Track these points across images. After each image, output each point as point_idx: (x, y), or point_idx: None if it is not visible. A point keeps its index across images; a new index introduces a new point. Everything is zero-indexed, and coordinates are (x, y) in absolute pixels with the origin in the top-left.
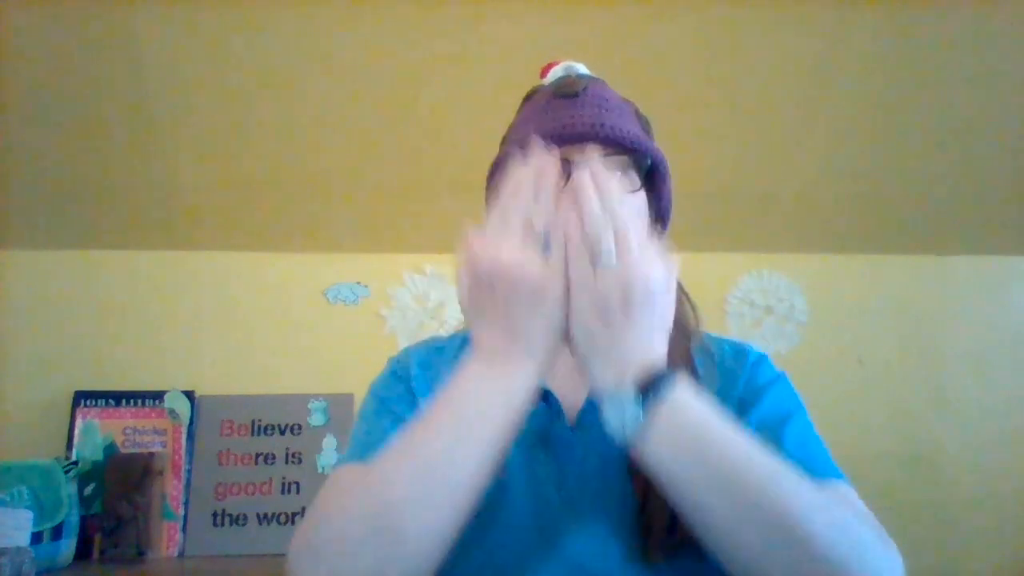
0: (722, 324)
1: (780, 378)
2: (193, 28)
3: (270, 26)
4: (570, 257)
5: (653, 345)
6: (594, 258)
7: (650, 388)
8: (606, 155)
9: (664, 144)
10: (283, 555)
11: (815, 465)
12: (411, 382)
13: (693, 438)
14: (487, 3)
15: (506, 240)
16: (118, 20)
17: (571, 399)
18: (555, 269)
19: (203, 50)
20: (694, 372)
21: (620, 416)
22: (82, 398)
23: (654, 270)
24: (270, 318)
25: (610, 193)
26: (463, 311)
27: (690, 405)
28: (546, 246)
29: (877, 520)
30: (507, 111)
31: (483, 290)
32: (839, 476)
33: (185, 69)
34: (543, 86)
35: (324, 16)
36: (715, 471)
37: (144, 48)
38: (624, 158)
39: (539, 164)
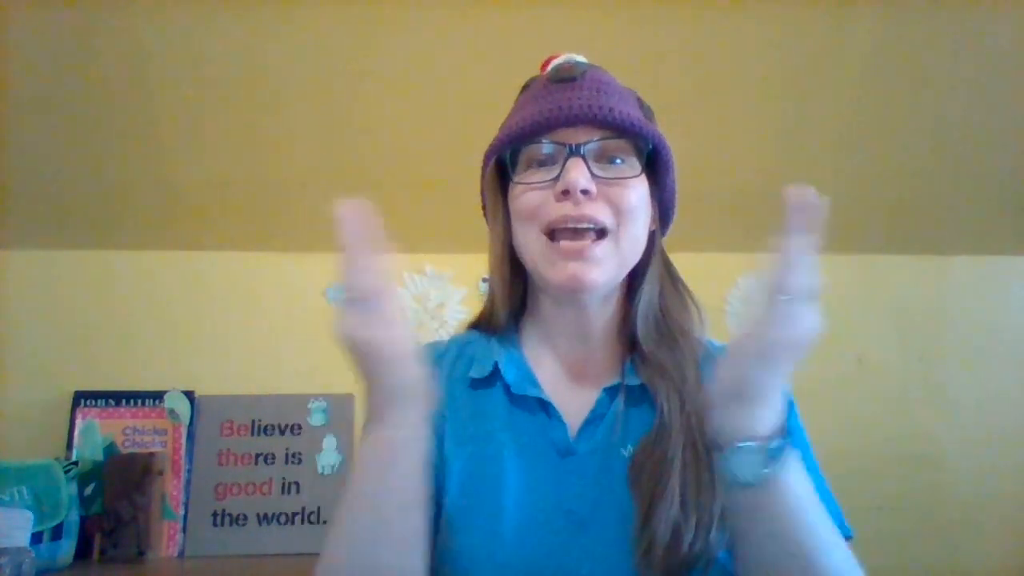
0: (722, 324)
1: (787, 406)
2: (193, 28)
3: (270, 26)
4: (766, 294)
5: (783, 402)
6: (783, 299)
7: (775, 446)
8: (605, 138)
9: None
10: (283, 555)
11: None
12: None
13: (795, 501)
14: (487, 3)
15: (340, 310)
16: (119, 20)
17: (572, 410)
18: (381, 322)
19: (203, 50)
20: (701, 386)
21: (747, 467)
22: (82, 398)
23: (815, 328)
24: (270, 318)
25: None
26: None
27: (795, 467)
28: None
29: None
30: (508, 110)
31: (354, 363)
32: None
33: (185, 69)
34: (541, 75)
35: (322, 17)
36: (803, 537)
37: (144, 48)
38: (624, 142)
39: (347, 223)
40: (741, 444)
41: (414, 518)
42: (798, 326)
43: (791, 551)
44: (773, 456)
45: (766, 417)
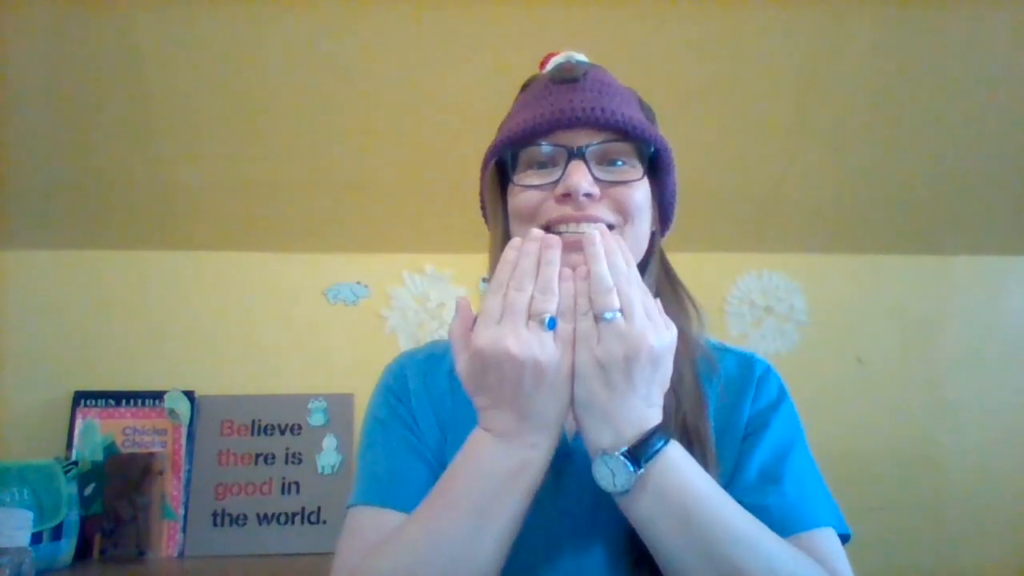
0: (722, 324)
1: (783, 399)
2: (193, 28)
3: (269, 26)
4: (578, 314)
5: (650, 409)
6: (598, 318)
7: (642, 451)
8: (606, 141)
9: None
10: (283, 555)
11: (807, 511)
12: (409, 398)
13: (679, 502)
14: (486, 3)
15: (511, 327)
16: (118, 20)
17: (570, 412)
18: (563, 347)
19: (203, 50)
20: (698, 385)
21: (610, 476)
22: (82, 398)
23: (659, 336)
24: (270, 318)
25: (617, 255)
26: (464, 387)
27: (679, 468)
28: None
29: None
30: (507, 110)
31: (490, 376)
32: (827, 523)
33: (185, 69)
34: (541, 74)
35: (323, 17)
36: (697, 535)
37: (144, 48)
38: (626, 145)
39: (544, 251)
40: (597, 456)
41: (511, 536)
42: (610, 343)
43: (697, 551)
44: (634, 465)
45: (619, 430)
